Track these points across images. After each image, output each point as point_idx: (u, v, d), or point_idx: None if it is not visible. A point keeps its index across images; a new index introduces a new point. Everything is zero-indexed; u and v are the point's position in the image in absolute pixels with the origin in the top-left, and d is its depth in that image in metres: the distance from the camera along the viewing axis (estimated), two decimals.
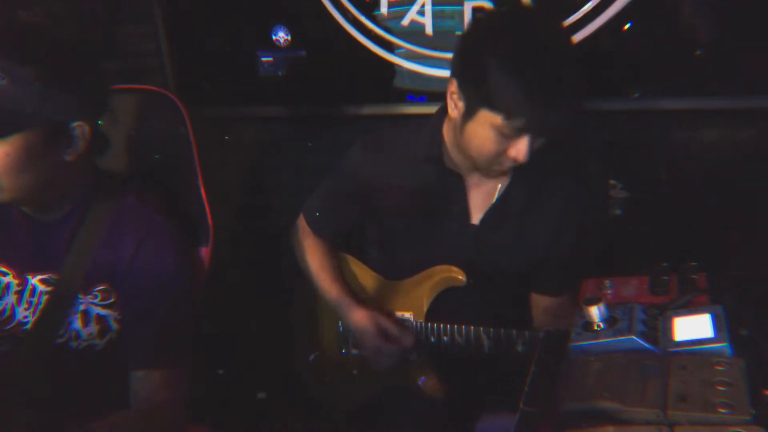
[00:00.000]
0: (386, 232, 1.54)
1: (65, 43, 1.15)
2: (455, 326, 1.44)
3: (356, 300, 1.54)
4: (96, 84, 1.22)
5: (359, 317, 1.50)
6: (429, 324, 1.48)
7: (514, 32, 1.23)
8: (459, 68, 1.29)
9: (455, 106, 1.30)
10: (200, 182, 1.43)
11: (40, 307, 1.24)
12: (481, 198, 1.44)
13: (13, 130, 1.10)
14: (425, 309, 1.49)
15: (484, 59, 1.21)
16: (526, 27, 1.25)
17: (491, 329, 1.40)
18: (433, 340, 1.47)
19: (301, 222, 1.63)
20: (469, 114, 1.27)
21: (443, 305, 1.49)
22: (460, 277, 1.44)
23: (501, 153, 1.27)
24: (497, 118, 1.22)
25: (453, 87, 1.30)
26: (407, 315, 1.52)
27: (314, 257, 1.61)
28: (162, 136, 1.47)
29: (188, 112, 1.43)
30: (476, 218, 1.44)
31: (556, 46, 1.24)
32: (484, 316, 1.43)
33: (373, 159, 1.49)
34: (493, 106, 1.21)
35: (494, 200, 1.42)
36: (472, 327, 1.42)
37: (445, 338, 1.45)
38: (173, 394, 1.22)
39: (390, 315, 1.52)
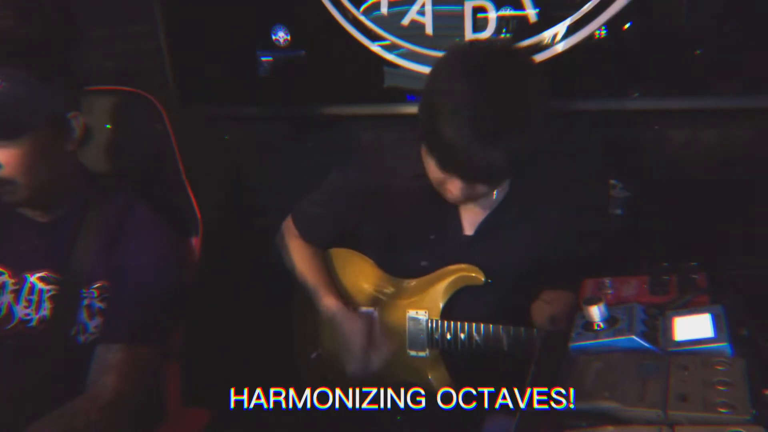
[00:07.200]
0: (382, 240, 1.55)
1: (43, 37, 1.17)
2: (473, 324, 1.43)
3: (332, 289, 1.55)
4: (78, 74, 1.25)
5: (333, 306, 1.52)
6: (446, 322, 1.48)
7: (467, 82, 1.15)
8: (421, 96, 1.26)
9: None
10: (183, 176, 1.46)
11: (46, 304, 1.26)
12: (474, 211, 1.44)
13: (25, 131, 1.13)
14: (441, 307, 1.49)
15: (433, 102, 1.19)
16: (482, 78, 1.16)
17: (511, 328, 1.39)
18: (449, 337, 1.47)
19: (289, 223, 1.64)
20: (421, 139, 1.28)
21: (456, 304, 1.49)
22: (478, 276, 1.44)
23: (442, 185, 1.29)
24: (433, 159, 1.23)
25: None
26: (422, 313, 1.51)
27: (298, 254, 1.62)
28: (141, 135, 1.49)
29: (165, 110, 1.45)
30: (470, 230, 1.45)
31: (507, 102, 1.15)
32: (498, 315, 1.43)
33: (369, 172, 1.49)
34: (430, 148, 1.23)
35: (488, 213, 1.43)
36: (491, 325, 1.41)
37: (462, 336, 1.45)
38: (132, 369, 1.21)
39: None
